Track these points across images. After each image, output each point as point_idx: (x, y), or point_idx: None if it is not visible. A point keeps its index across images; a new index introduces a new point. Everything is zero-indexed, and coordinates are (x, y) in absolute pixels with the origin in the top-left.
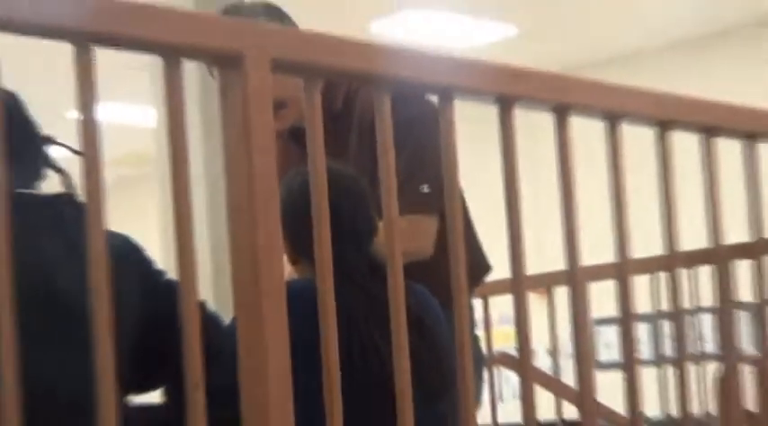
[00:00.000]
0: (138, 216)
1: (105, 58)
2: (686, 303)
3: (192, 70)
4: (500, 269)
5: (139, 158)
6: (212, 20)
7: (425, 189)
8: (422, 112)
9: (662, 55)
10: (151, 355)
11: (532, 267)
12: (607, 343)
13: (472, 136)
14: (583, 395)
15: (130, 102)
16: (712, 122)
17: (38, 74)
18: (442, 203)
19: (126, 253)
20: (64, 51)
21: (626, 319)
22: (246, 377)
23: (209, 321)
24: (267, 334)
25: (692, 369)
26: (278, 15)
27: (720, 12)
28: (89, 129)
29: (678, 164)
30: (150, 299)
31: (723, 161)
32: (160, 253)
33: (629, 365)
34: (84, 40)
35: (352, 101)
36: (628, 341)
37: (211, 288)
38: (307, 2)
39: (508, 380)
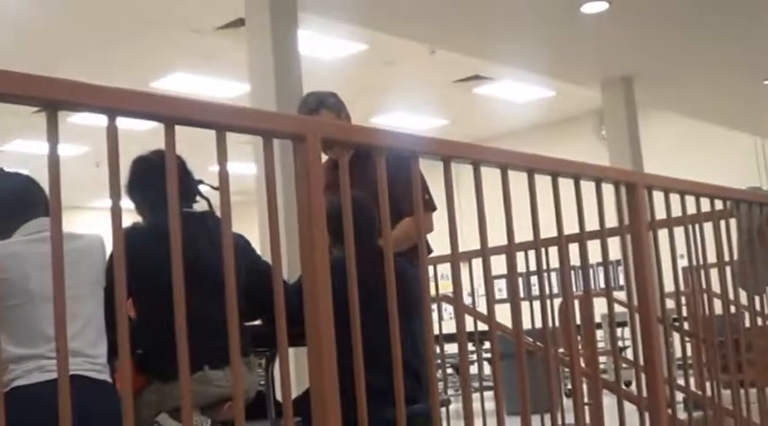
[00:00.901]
0: (247, 224)
1: (230, 136)
2: (544, 266)
3: (277, 143)
4: (444, 250)
5: (247, 190)
6: (288, 116)
7: (426, 196)
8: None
9: (528, 133)
10: (255, 299)
11: (461, 248)
12: (500, 289)
13: (428, 176)
14: (489, 316)
15: (242, 161)
16: (557, 170)
17: (194, 146)
18: (434, 205)
19: (242, 245)
20: (210, 134)
21: (512, 275)
22: (309, 307)
23: (285, 283)
24: (317, 285)
25: (547, 302)
26: (336, 99)
27: (563, 106)
28: (222, 176)
29: (541, 192)
30: (255, 270)
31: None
32: (260, 246)
33: (514, 301)
34: (222, 129)
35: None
36: (513, 286)
37: (287, 265)
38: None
39: (447, 309)
